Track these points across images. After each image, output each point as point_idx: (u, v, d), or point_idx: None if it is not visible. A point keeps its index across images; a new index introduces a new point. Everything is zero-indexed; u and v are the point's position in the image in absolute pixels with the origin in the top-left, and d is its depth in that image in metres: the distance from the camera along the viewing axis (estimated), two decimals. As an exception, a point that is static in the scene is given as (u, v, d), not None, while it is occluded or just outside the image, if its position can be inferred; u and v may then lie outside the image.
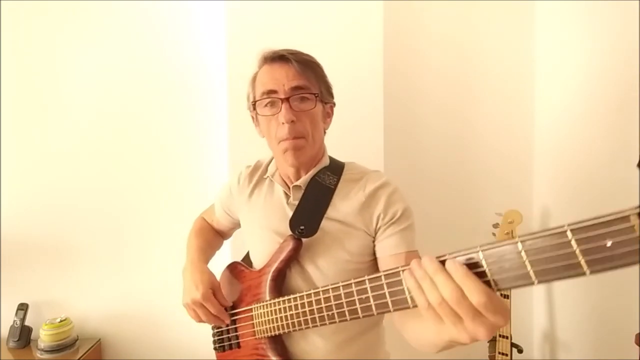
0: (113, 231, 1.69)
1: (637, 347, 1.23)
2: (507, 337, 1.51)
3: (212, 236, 1.12)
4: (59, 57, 1.63)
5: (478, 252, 0.47)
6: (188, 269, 0.96)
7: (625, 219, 0.36)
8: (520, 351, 1.53)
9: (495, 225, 1.56)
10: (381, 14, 1.50)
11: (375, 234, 0.86)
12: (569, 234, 0.39)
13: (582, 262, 0.39)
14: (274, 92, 0.84)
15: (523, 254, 0.43)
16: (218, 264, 1.08)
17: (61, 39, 1.63)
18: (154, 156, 1.68)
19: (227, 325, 0.95)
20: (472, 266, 0.47)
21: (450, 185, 1.77)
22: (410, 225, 0.86)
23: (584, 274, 0.39)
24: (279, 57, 0.86)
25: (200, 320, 0.91)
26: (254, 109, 0.90)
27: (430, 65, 1.74)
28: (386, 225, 0.85)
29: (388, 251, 0.84)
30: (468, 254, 0.48)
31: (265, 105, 0.86)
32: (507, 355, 1.50)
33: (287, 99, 0.83)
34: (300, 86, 0.84)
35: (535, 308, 1.79)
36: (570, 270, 0.40)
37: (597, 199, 1.48)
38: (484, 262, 0.47)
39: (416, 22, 1.72)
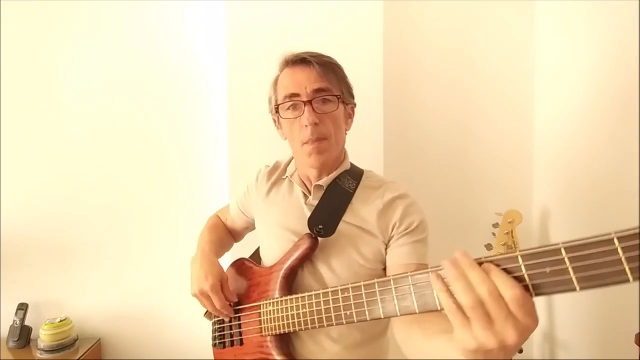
0: (113, 231, 1.68)
1: (637, 347, 1.23)
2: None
3: (225, 234, 1.12)
4: (59, 58, 1.63)
5: (517, 256, 0.46)
6: (198, 258, 0.95)
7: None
8: (520, 351, 1.53)
9: (496, 225, 1.56)
10: (381, 17, 1.50)
11: (389, 242, 0.87)
12: (615, 241, 0.40)
13: (627, 269, 0.39)
14: (297, 95, 0.85)
15: (567, 260, 0.43)
16: (222, 262, 1.08)
17: (62, 41, 1.63)
18: (154, 157, 1.68)
19: (231, 321, 0.95)
20: (509, 271, 0.47)
21: (451, 186, 1.78)
22: (424, 239, 0.87)
23: (628, 281, 0.40)
24: (300, 60, 0.87)
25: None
26: (277, 112, 0.90)
27: (430, 68, 1.74)
28: (400, 235, 0.86)
29: (399, 260, 0.85)
30: (506, 256, 0.47)
31: (288, 109, 0.87)
32: (507, 355, 1.50)
33: (309, 102, 0.84)
34: (323, 89, 0.85)
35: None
36: (615, 277, 0.40)
37: (597, 199, 1.49)
38: (522, 267, 0.46)
39: (416, 27, 1.72)
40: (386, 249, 0.88)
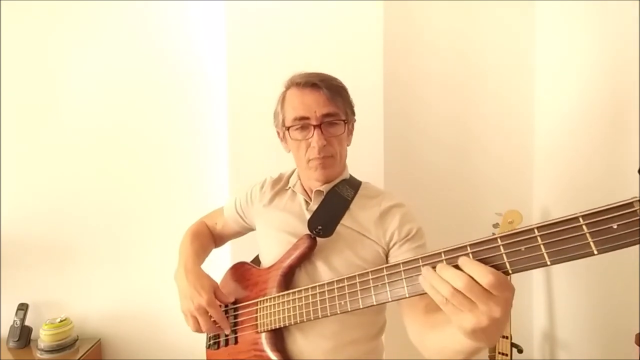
0: (113, 231, 1.68)
1: (637, 347, 1.23)
2: (507, 337, 1.51)
3: (207, 241, 1.12)
4: (59, 58, 1.63)
5: (496, 238, 0.53)
6: (182, 275, 0.94)
7: (629, 205, 0.44)
8: (520, 351, 1.53)
9: (495, 225, 1.56)
10: (381, 17, 1.50)
11: (390, 249, 0.90)
12: (580, 219, 0.46)
13: (591, 243, 0.45)
14: (306, 118, 0.89)
15: (539, 238, 0.49)
16: (217, 267, 1.08)
17: (63, 41, 1.63)
18: (154, 157, 1.68)
19: (227, 319, 0.95)
20: (491, 250, 0.53)
21: (451, 186, 1.78)
22: (423, 245, 0.91)
23: (592, 254, 0.45)
24: (310, 85, 0.90)
25: (199, 330, 0.90)
26: (283, 127, 0.95)
27: (431, 68, 1.74)
28: (402, 241, 0.89)
29: None
30: (486, 239, 0.54)
31: (296, 129, 0.91)
32: (507, 355, 1.50)
33: (319, 126, 0.89)
34: (331, 113, 0.90)
35: (535, 308, 1.80)
36: (581, 250, 0.46)
37: (596, 199, 1.48)
38: (501, 247, 0.52)
39: (416, 27, 1.73)
40: (386, 255, 0.91)
